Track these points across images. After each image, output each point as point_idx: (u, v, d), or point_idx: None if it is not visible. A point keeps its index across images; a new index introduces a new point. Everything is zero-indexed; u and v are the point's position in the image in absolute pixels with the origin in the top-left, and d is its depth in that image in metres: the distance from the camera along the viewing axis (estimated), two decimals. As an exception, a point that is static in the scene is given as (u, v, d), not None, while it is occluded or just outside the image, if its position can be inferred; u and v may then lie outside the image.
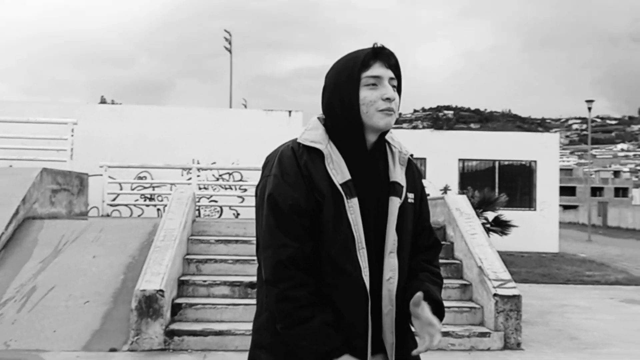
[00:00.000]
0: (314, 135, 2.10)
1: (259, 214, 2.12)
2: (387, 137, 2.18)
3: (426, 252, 2.28)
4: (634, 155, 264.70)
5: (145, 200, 15.45)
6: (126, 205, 14.91)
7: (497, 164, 23.63)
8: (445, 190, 19.98)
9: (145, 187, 15.61)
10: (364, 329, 2.05)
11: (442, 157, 22.69)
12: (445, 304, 7.54)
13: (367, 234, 2.05)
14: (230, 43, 33.84)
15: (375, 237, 2.07)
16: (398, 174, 2.14)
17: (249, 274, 8.71)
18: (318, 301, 2.01)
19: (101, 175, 13.61)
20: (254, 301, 7.97)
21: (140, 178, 15.59)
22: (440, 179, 20.94)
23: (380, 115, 2.04)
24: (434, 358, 7.04)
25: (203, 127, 16.45)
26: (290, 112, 16.94)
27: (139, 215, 14.79)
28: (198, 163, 14.44)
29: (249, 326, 7.33)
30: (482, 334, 7.81)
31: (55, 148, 12.85)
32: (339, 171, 2.04)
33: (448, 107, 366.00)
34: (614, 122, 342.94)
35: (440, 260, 8.77)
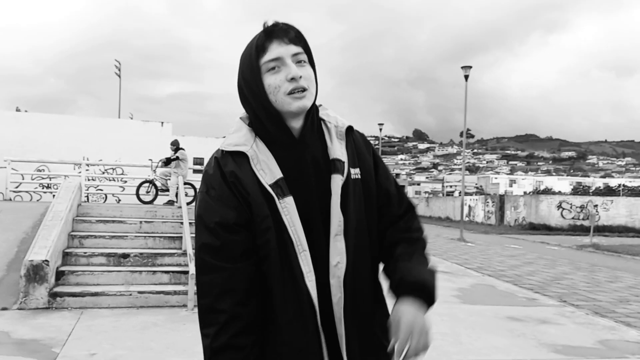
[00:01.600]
0: (237, 137, 1.42)
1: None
2: (321, 114, 1.49)
3: (401, 219, 1.52)
4: (409, 163, 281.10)
5: (43, 188, 14.03)
6: (27, 192, 13.48)
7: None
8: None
9: (43, 178, 14.20)
10: (315, 347, 1.34)
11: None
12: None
13: (312, 230, 1.37)
14: (119, 69, 32.14)
15: (324, 223, 1.38)
16: (337, 150, 1.43)
17: (122, 247, 8.09)
18: (239, 343, 1.31)
19: (5, 167, 12.23)
20: (125, 268, 7.45)
21: (40, 170, 14.14)
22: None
23: (289, 99, 1.37)
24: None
25: (93, 132, 15.31)
26: (162, 122, 16.18)
27: (37, 200, 13.38)
28: (87, 160, 13.30)
29: (120, 288, 6.78)
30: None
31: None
32: (267, 171, 1.37)
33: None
34: (396, 140, 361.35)
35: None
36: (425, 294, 1.35)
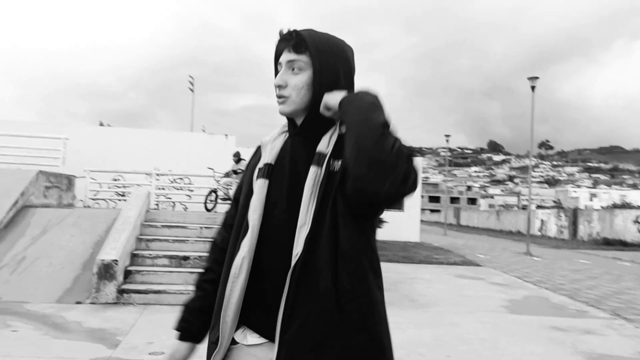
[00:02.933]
0: (271, 133, 1.55)
1: None
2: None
3: None
4: (483, 175, 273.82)
5: (118, 196, 15.23)
6: (104, 199, 14.70)
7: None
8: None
9: (118, 187, 15.41)
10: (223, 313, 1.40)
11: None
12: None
13: (275, 216, 1.40)
14: (193, 84, 33.85)
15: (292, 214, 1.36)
16: (323, 144, 1.40)
17: (184, 250, 8.79)
18: (202, 287, 1.56)
19: (85, 177, 13.45)
20: (185, 269, 8.12)
21: (115, 180, 15.34)
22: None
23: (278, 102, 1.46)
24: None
25: (164, 144, 16.45)
26: (226, 135, 17.09)
27: (112, 207, 14.53)
28: (158, 170, 14.32)
29: (180, 287, 7.43)
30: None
31: (52, 157, 12.79)
32: (265, 157, 1.47)
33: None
34: (470, 151, 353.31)
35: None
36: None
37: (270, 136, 1.54)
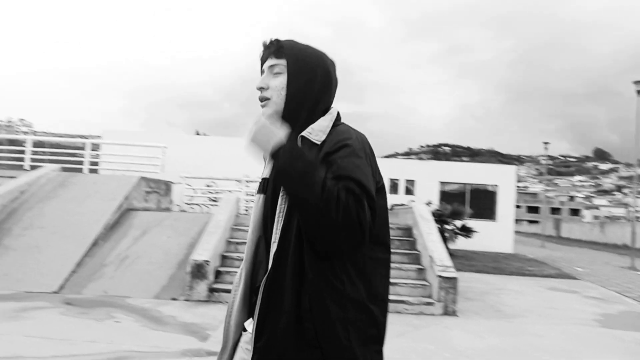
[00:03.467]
0: None
1: None
2: (312, 125, 1.51)
3: None
4: (588, 185, 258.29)
5: (210, 201, 16.15)
6: (198, 204, 15.63)
7: (468, 186, 23.79)
8: (428, 204, 20.28)
9: (211, 192, 16.32)
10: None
11: (427, 180, 23.00)
12: (405, 282, 7.95)
13: (267, 230, 1.51)
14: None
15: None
16: None
17: (270, 253, 9.25)
18: None
19: (181, 183, 14.43)
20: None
21: (209, 186, 16.27)
22: (426, 195, 21.28)
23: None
24: (392, 318, 7.49)
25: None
26: (314, 143, 17.59)
27: (205, 212, 15.42)
28: (248, 177, 15.04)
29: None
30: (429, 303, 8.09)
31: (152, 164, 13.87)
32: (263, 170, 1.60)
33: (446, 145, 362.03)
34: (573, 159, 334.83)
35: (405, 251, 9.10)
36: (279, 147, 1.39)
37: None
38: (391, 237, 9.41)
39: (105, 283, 8.12)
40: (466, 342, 6.35)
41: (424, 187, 22.70)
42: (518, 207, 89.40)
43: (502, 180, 23.60)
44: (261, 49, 1.59)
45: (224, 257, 8.91)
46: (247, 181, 14.62)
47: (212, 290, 7.96)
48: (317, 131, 1.48)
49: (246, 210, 14.17)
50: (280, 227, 1.43)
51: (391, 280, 8.89)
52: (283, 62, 1.54)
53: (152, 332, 6.02)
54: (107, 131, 20.31)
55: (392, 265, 7.36)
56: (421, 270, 9.04)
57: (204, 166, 17.01)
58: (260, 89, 1.55)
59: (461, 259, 16.99)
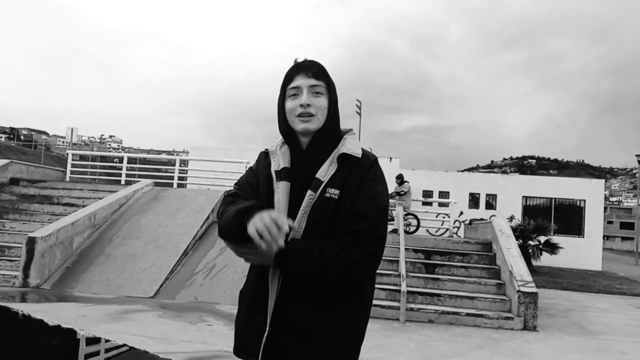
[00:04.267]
0: (272, 144, 1.88)
1: None
2: (344, 138, 1.79)
3: (351, 234, 1.67)
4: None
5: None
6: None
7: (553, 201, 23.12)
8: (511, 218, 19.98)
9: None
10: (259, 299, 1.75)
11: (510, 194, 22.57)
12: (485, 296, 8.11)
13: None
14: (360, 108, 35.25)
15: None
16: (322, 171, 1.70)
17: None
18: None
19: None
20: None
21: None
22: (508, 210, 20.94)
23: (297, 120, 1.74)
24: (471, 331, 7.64)
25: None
26: (391, 158, 17.87)
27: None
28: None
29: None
30: (508, 318, 8.14)
31: (235, 178, 14.76)
32: (277, 163, 1.78)
33: (532, 157, 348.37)
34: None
35: (485, 266, 9.21)
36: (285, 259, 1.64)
37: (274, 146, 1.85)
38: (470, 252, 9.55)
39: (195, 290, 8.78)
40: (546, 357, 6.41)
41: (506, 202, 22.32)
42: (610, 222, 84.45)
43: (590, 195, 22.79)
44: (293, 66, 1.79)
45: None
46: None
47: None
48: (355, 148, 1.75)
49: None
50: (302, 229, 1.68)
51: (470, 295, 8.93)
52: (322, 83, 1.76)
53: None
54: (193, 147, 21.68)
55: (471, 279, 7.55)
56: (501, 285, 9.09)
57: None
58: (307, 105, 1.73)
59: (545, 276, 16.60)
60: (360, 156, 1.72)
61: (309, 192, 1.67)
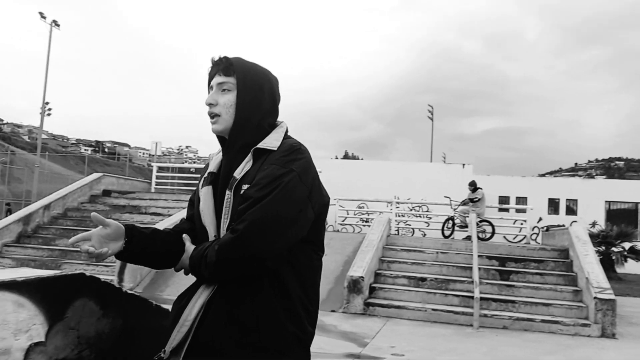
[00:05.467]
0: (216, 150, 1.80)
1: None
2: (267, 137, 1.65)
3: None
4: None
5: (362, 222, 17.18)
6: (350, 224, 16.77)
7: (639, 205, 22.18)
8: (593, 224, 19.45)
9: (362, 214, 17.35)
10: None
11: (592, 199, 21.88)
12: (561, 303, 8.25)
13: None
14: (432, 113, 35.23)
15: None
16: (240, 169, 1.61)
17: (420, 272, 9.90)
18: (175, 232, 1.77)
19: (334, 204, 15.66)
20: (422, 289, 9.21)
21: (360, 207, 17.34)
22: (590, 216, 20.38)
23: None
24: (544, 337, 7.74)
25: (403, 174, 18.04)
26: (464, 165, 17.90)
27: (358, 232, 16.47)
28: (397, 199, 15.82)
29: (417, 305, 8.53)
30: (585, 325, 8.16)
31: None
32: (210, 166, 1.72)
33: (619, 159, 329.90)
34: None
35: (561, 273, 9.27)
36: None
37: (215, 152, 1.78)
38: (546, 259, 9.60)
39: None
40: (622, 364, 6.45)
41: (588, 207, 21.65)
42: None
43: (682, 199, 21.70)
44: (209, 65, 1.69)
45: (377, 275, 9.76)
46: (397, 202, 15.42)
47: (367, 304, 8.82)
48: (272, 141, 1.63)
49: (396, 230, 14.96)
50: (224, 228, 1.57)
51: (546, 301, 9.00)
52: (232, 79, 1.64)
53: (317, 337, 6.97)
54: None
55: (547, 286, 7.71)
56: (577, 292, 9.08)
57: (355, 188, 18.13)
58: (210, 105, 1.64)
59: (631, 284, 16.05)
60: (275, 148, 1.60)
61: (227, 192, 1.59)
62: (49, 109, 33.69)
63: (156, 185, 16.78)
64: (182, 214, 11.68)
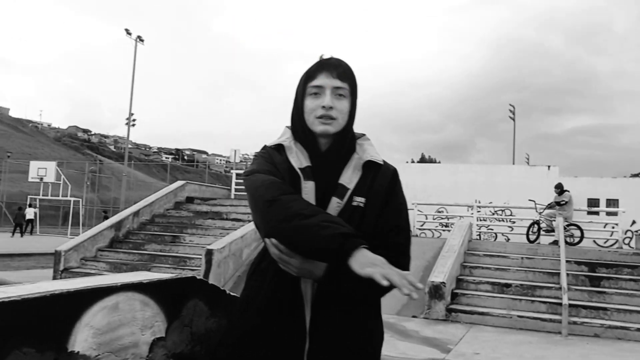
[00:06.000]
0: (280, 139, 1.76)
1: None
2: (357, 144, 1.74)
3: (392, 247, 1.65)
4: None
5: (442, 227, 16.97)
6: (429, 229, 16.61)
7: None
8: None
9: (442, 218, 17.15)
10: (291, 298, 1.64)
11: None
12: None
13: None
14: (513, 113, 34.18)
15: None
16: (346, 177, 1.66)
17: (505, 278, 9.72)
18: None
19: (412, 209, 15.61)
20: (506, 296, 9.04)
21: (439, 212, 17.14)
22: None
23: (317, 122, 1.66)
24: (624, 345, 7.42)
25: (483, 177, 17.64)
26: (549, 166, 17.26)
27: (437, 237, 16.30)
28: (478, 202, 15.52)
29: (502, 311, 8.40)
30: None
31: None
32: (297, 160, 1.68)
33: None
34: None
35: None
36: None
37: (286, 141, 1.73)
38: (638, 264, 9.24)
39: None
40: None
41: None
42: None
43: None
44: (318, 62, 1.71)
45: (459, 280, 9.67)
46: (478, 206, 15.15)
47: (449, 310, 8.77)
48: (376, 154, 1.73)
49: (478, 235, 14.68)
50: None
51: (632, 308, 8.63)
52: (347, 86, 1.68)
53: (400, 342, 7.08)
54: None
55: (629, 292, 7.42)
56: (677, 300, 8.62)
57: (434, 193, 17.94)
58: (330, 108, 1.65)
59: None
60: (382, 162, 1.71)
61: (335, 199, 1.62)
62: (134, 120, 35.57)
63: (235, 191, 17.36)
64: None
